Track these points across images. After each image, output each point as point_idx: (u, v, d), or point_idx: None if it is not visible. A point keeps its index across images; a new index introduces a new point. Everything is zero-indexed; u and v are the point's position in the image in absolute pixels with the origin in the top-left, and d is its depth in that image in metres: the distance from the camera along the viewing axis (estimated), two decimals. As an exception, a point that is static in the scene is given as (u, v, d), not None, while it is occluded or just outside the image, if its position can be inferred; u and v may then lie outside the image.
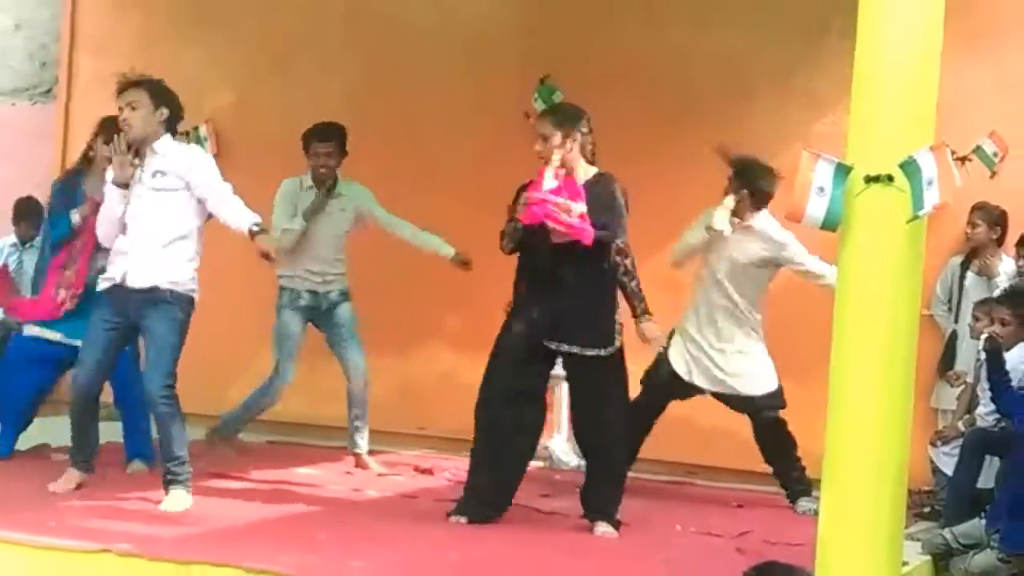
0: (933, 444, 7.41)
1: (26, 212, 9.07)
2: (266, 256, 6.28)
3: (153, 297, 6.18)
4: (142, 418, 7.08)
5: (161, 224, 6.21)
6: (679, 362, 7.21)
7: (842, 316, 4.94)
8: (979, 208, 7.72)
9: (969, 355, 7.51)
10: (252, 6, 9.48)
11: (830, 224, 4.94)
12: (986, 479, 6.89)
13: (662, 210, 7.41)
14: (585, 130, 6.31)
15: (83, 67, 9.92)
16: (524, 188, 6.22)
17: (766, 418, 7.19)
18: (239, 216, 6.24)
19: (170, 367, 6.19)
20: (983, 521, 6.43)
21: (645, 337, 6.54)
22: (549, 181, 6.10)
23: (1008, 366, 6.57)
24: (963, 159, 7.57)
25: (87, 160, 7.08)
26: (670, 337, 7.19)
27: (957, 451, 7.05)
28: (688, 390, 7.27)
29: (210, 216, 6.33)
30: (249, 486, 7.04)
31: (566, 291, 6.21)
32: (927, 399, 7.66)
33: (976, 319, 7.17)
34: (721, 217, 6.97)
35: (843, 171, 4.88)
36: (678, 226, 7.23)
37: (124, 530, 5.69)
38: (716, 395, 7.27)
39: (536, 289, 6.29)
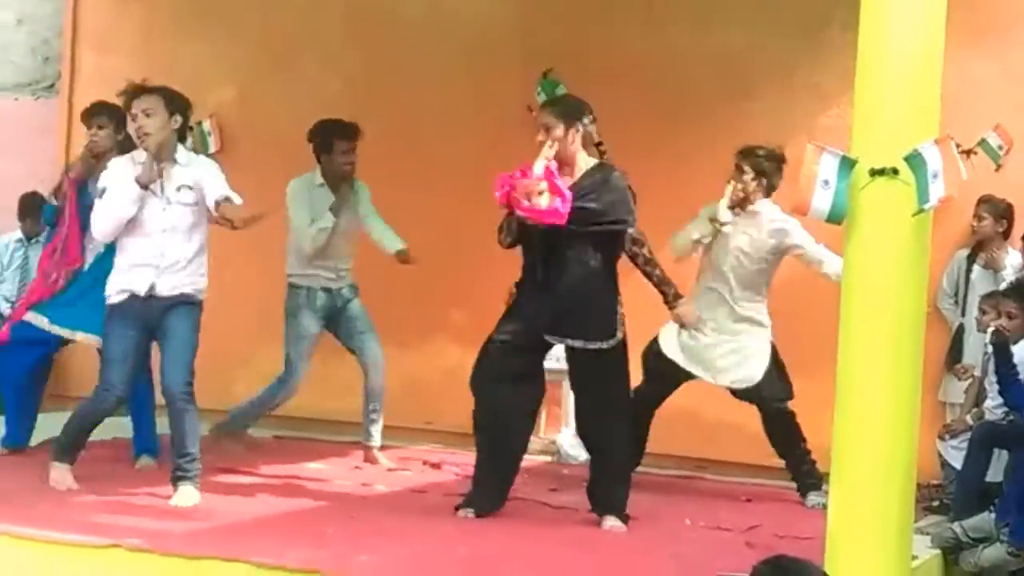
0: (941, 438, 7.39)
1: (31, 207, 9.06)
2: (229, 223, 6.29)
3: (179, 301, 6.28)
4: (149, 414, 7.13)
5: (192, 237, 6.30)
6: (672, 349, 7.15)
7: (849, 310, 4.94)
8: (985, 201, 7.71)
9: (976, 348, 7.51)
10: (254, 2, 9.50)
11: (835, 217, 4.94)
12: (995, 473, 6.88)
13: (665, 207, 7.38)
14: (588, 122, 6.27)
15: (85, 62, 9.94)
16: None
17: (773, 409, 7.18)
18: (215, 194, 6.19)
19: (191, 364, 6.27)
20: (992, 515, 6.42)
21: (682, 321, 6.93)
22: (537, 171, 6.03)
23: (1016, 359, 6.57)
24: (968, 152, 7.51)
25: (95, 157, 6.99)
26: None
27: (965, 445, 7.04)
28: (682, 376, 7.20)
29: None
30: (258, 481, 7.06)
31: (566, 284, 6.18)
32: (935, 393, 7.65)
33: (983, 312, 7.15)
34: (724, 208, 6.96)
35: (848, 164, 4.88)
36: (680, 223, 7.21)
37: (134, 525, 5.71)
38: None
39: (536, 282, 6.25)
